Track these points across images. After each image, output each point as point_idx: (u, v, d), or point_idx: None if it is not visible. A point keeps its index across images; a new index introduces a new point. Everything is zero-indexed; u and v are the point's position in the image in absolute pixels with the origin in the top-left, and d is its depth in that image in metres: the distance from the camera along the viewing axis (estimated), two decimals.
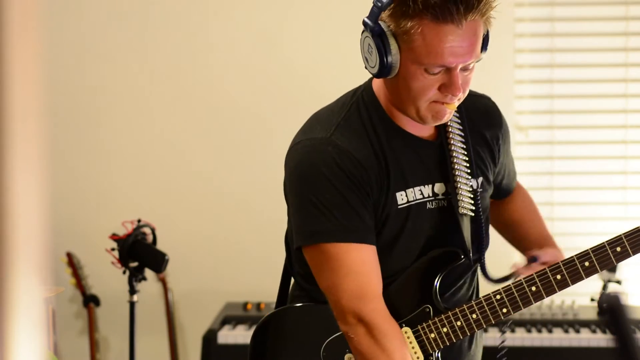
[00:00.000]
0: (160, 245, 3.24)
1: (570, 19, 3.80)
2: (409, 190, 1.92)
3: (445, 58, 1.75)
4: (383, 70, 1.80)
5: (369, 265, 1.88)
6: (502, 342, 2.16)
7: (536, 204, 2.28)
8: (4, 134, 0.66)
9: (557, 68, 3.82)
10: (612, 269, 3.48)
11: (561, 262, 1.94)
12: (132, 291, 3.17)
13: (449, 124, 1.96)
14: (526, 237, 2.19)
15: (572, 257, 1.94)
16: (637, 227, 1.95)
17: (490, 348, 3.33)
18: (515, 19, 3.76)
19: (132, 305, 3.18)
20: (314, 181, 1.86)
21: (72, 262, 3.75)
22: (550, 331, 3.43)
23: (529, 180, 3.61)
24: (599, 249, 1.93)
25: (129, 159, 3.89)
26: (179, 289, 3.90)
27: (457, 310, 1.94)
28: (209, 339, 3.44)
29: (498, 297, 1.94)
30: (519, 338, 3.39)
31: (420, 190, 1.93)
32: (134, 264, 3.17)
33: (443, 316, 1.94)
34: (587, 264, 1.93)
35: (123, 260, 3.14)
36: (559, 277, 1.93)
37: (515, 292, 1.93)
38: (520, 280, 1.94)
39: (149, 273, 3.31)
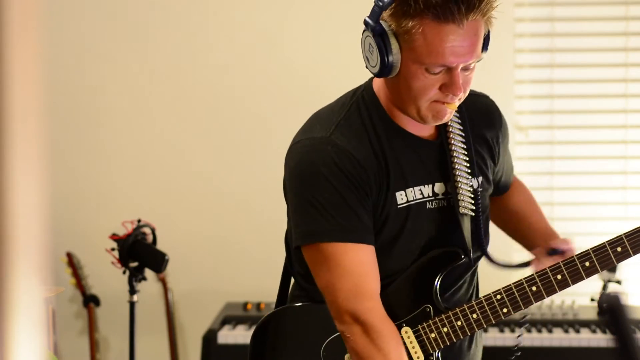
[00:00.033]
0: (160, 245, 3.24)
1: (570, 19, 3.80)
2: (409, 190, 1.92)
3: (446, 58, 1.75)
4: (384, 70, 1.80)
5: (367, 265, 1.88)
6: (517, 345, 2.14)
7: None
8: (4, 134, 0.66)
9: (557, 68, 3.81)
10: (612, 269, 3.48)
11: (562, 262, 1.94)
12: (132, 291, 3.17)
13: (449, 123, 1.96)
14: (529, 231, 2.20)
15: (572, 257, 1.94)
16: (638, 227, 1.95)
17: (490, 348, 3.34)
18: (515, 19, 3.76)
19: (132, 305, 3.18)
20: (312, 180, 1.86)
21: (72, 262, 3.75)
22: (550, 331, 3.43)
23: (529, 180, 3.61)
24: (599, 249, 1.93)
25: (129, 159, 3.89)
26: (179, 289, 3.90)
27: (457, 310, 1.94)
28: (209, 339, 3.44)
29: (498, 297, 1.94)
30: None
31: (420, 190, 1.93)
32: (134, 264, 3.17)
33: (443, 316, 1.94)
34: (587, 264, 1.93)
35: (123, 260, 3.14)
36: (559, 277, 1.93)
37: (515, 291, 1.93)
38: (521, 280, 1.94)
39: (149, 273, 3.31)
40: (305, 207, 1.88)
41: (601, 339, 3.36)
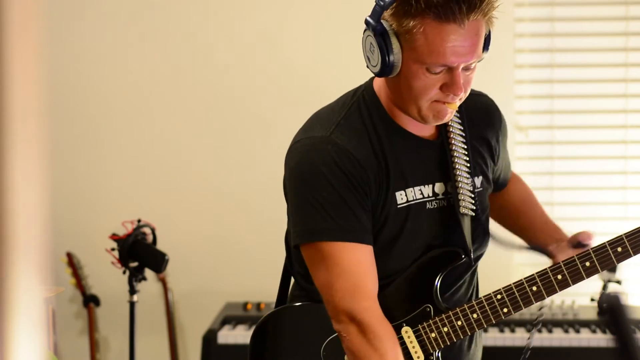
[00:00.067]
0: (160, 245, 3.24)
1: (570, 19, 3.80)
2: (409, 190, 1.92)
3: (447, 57, 1.75)
4: (385, 69, 1.80)
5: (364, 265, 1.88)
6: (528, 346, 2.14)
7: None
8: (4, 134, 0.66)
9: (557, 68, 3.82)
10: (612, 269, 3.47)
11: (562, 261, 1.94)
12: (132, 291, 3.17)
13: (449, 123, 1.96)
14: (531, 225, 2.21)
15: (572, 257, 1.94)
16: (638, 228, 1.95)
17: (490, 348, 3.35)
18: (515, 19, 3.76)
19: (132, 305, 3.18)
20: (312, 180, 1.86)
21: (72, 262, 3.75)
22: (550, 331, 3.43)
23: (529, 180, 3.59)
24: (599, 249, 1.94)
25: (129, 159, 3.89)
26: (179, 289, 3.90)
27: (457, 309, 1.94)
28: (209, 339, 3.44)
29: (499, 296, 1.94)
30: (519, 338, 3.39)
31: (420, 190, 1.93)
32: (134, 264, 3.17)
33: (444, 315, 1.94)
34: (588, 264, 1.93)
35: (123, 260, 3.14)
36: (559, 277, 1.93)
37: (516, 291, 1.93)
38: (521, 280, 1.95)
39: (149, 273, 3.31)
40: (304, 206, 1.88)
41: (601, 339, 3.36)
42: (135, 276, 3.16)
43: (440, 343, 1.94)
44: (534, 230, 2.19)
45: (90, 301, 3.73)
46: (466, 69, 1.80)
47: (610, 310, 1.14)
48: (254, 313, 3.62)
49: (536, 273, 1.94)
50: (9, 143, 0.66)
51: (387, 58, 1.79)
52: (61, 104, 3.84)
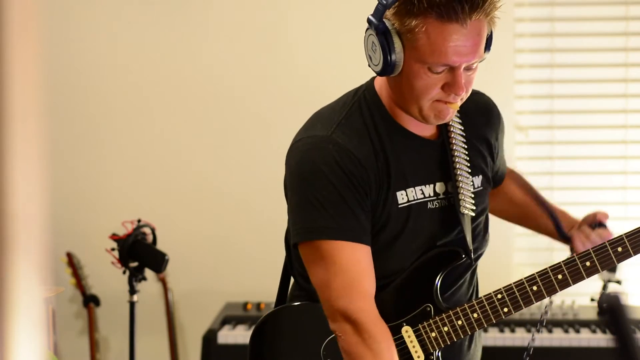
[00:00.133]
0: (160, 245, 3.24)
1: (570, 19, 3.80)
2: (410, 190, 1.92)
3: (449, 57, 1.75)
4: (386, 69, 1.80)
5: (362, 264, 1.87)
6: (530, 345, 2.14)
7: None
8: (4, 134, 0.66)
9: (557, 68, 3.82)
10: (613, 269, 3.48)
11: (562, 261, 1.94)
12: (132, 291, 3.17)
13: (450, 123, 1.96)
14: (537, 213, 2.21)
15: (573, 256, 1.95)
16: (638, 228, 1.95)
17: (490, 348, 3.35)
18: (515, 19, 3.76)
19: (132, 305, 3.18)
20: (312, 178, 1.86)
21: (72, 262, 3.75)
22: (550, 331, 3.43)
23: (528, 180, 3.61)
24: (600, 249, 1.94)
25: (129, 159, 3.89)
26: (179, 289, 3.90)
27: (458, 309, 1.94)
28: (209, 339, 3.44)
29: (499, 296, 1.94)
30: (519, 338, 3.39)
31: (421, 189, 1.93)
32: (134, 264, 3.17)
33: (444, 315, 1.94)
34: (588, 263, 1.93)
35: (123, 260, 3.14)
36: (560, 276, 1.93)
37: (516, 291, 1.93)
38: (522, 280, 1.95)
39: (149, 273, 3.31)
40: (304, 205, 1.88)
41: (601, 339, 3.36)
42: (135, 276, 3.16)
43: (441, 342, 1.94)
44: (536, 217, 2.20)
45: (90, 301, 3.73)
46: (468, 68, 1.80)
47: (610, 310, 1.14)
48: (254, 313, 3.62)
49: (536, 273, 1.94)
50: (9, 143, 0.66)
51: (389, 57, 1.79)
52: (61, 104, 3.84)
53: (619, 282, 3.54)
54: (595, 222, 2.10)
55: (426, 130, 1.95)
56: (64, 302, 3.89)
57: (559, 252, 3.66)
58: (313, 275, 1.91)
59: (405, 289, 1.96)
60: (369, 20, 1.83)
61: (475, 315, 1.94)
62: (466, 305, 1.94)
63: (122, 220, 3.24)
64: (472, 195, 1.97)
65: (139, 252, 3.15)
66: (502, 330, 3.43)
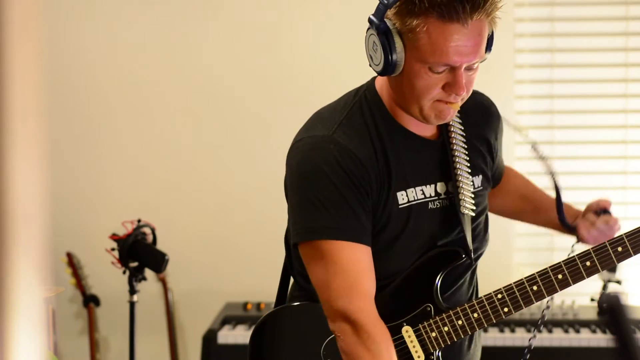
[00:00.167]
0: (160, 245, 3.24)
1: (570, 19, 3.80)
2: (410, 190, 1.92)
3: (450, 57, 1.75)
4: (387, 68, 1.80)
5: (362, 265, 1.87)
6: (530, 342, 2.14)
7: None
8: (4, 134, 0.66)
9: (557, 68, 3.82)
10: (612, 269, 3.48)
11: (562, 261, 1.95)
12: (132, 291, 3.17)
13: (450, 123, 1.96)
14: (540, 206, 2.23)
15: (573, 256, 1.95)
16: (638, 227, 1.96)
17: (490, 348, 3.35)
18: (515, 19, 3.76)
19: (132, 305, 3.18)
20: (313, 178, 1.86)
21: (72, 262, 3.75)
22: (550, 331, 3.43)
23: None
24: (600, 249, 1.94)
25: (129, 159, 3.89)
26: (179, 289, 3.90)
27: (458, 309, 1.94)
28: (209, 339, 3.44)
29: (499, 296, 1.94)
30: (519, 338, 3.39)
31: (422, 190, 1.93)
32: (134, 264, 3.17)
33: (444, 315, 1.94)
34: (588, 263, 1.94)
35: (123, 260, 3.14)
36: (560, 276, 1.93)
37: (516, 291, 1.94)
38: (522, 279, 1.95)
39: (149, 273, 3.31)
40: (305, 205, 1.88)
41: (601, 339, 3.36)
42: (135, 276, 3.16)
43: (441, 342, 1.94)
44: (545, 210, 2.21)
45: (90, 301, 3.73)
46: (469, 69, 1.80)
47: (610, 310, 1.14)
48: (254, 313, 3.62)
49: (537, 272, 1.94)
50: (9, 143, 0.66)
51: (389, 57, 1.79)
52: (61, 104, 3.84)
53: (619, 282, 3.54)
54: (600, 209, 2.11)
55: (426, 131, 1.95)
56: (64, 302, 3.89)
57: (559, 252, 3.66)
58: (313, 275, 1.91)
59: (405, 289, 1.96)
60: (370, 20, 1.83)
61: (475, 315, 1.94)
62: (466, 305, 1.94)
63: (122, 220, 3.24)
64: (472, 195, 1.97)
65: (139, 252, 3.15)
66: (502, 330, 3.43)
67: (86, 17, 3.85)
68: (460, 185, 1.95)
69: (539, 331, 2.19)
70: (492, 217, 2.15)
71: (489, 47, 1.83)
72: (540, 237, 3.81)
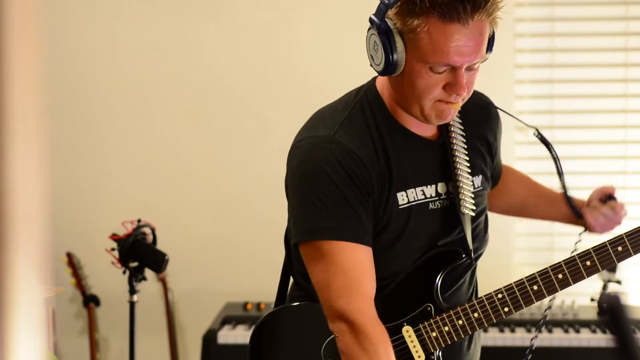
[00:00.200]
0: (160, 245, 3.24)
1: (570, 19, 3.80)
2: (410, 191, 1.92)
3: (451, 57, 1.75)
4: (388, 68, 1.80)
5: (362, 265, 1.87)
6: (532, 343, 2.14)
7: None
8: (4, 134, 0.66)
9: (557, 68, 3.82)
10: (612, 269, 3.48)
11: (563, 261, 1.95)
12: (132, 291, 3.17)
13: (450, 123, 1.96)
14: (544, 201, 2.24)
15: (573, 256, 1.95)
16: (638, 227, 1.96)
17: (490, 348, 3.35)
18: (515, 19, 3.76)
19: (132, 305, 3.18)
20: (315, 178, 1.86)
21: (72, 262, 3.75)
22: (550, 331, 3.43)
23: None
24: (600, 248, 1.94)
25: (129, 159, 3.89)
26: (179, 289, 3.90)
27: (458, 309, 1.94)
28: (209, 339, 3.44)
29: (500, 295, 1.94)
30: (519, 338, 3.39)
31: (422, 190, 1.93)
32: (134, 264, 3.17)
33: (445, 315, 1.94)
34: (588, 263, 1.94)
35: (123, 260, 3.14)
36: (560, 276, 1.93)
37: (517, 290, 1.94)
38: (522, 279, 1.95)
39: (149, 273, 3.31)
40: (306, 205, 1.88)
41: (601, 339, 3.36)
42: (135, 276, 3.16)
43: (441, 342, 1.94)
44: (550, 202, 2.21)
45: (90, 301, 3.73)
46: (469, 69, 1.80)
47: (610, 310, 1.14)
48: (254, 313, 3.62)
49: (537, 272, 1.94)
50: (9, 143, 0.66)
51: (390, 57, 1.79)
52: (61, 104, 3.84)
53: (619, 282, 3.54)
54: (605, 196, 2.12)
55: (427, 131, 1.95)
56: (64, 302, 3.89)
57: (559, 252, 3.66)
58: (313, 276, 1.91)
59: (405, 288, 1.96)
60: (371, 20, 1.83)
61: (475, 314, 1.94)
62: (467, 305, 1.95)
63: (122, 220, 3.24)
64: (473, 195, 1.98)
65: (139, 252, 3.15)
66: (502, 330, 3.43)
67: (86, 17, 3.85)
68: (461, 185, 1.95)
69: (541, 331, 2.19)
70: (492, 217, 2.15)
71: (489, 47, 1.83)
72: (540, 237, 3.81)
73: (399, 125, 1.92)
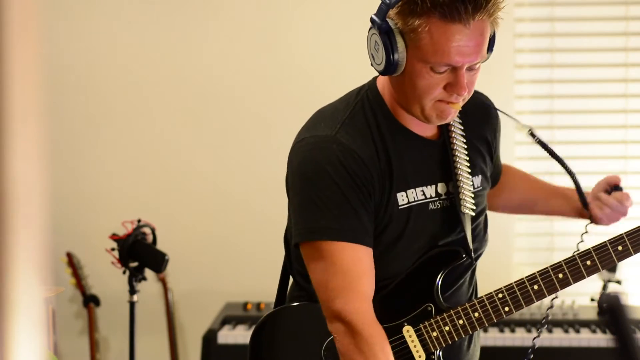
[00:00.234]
0: (160, 245, 3.24)
1: (570, 19, 3.80)
2: (410, 191, 1.92)
3: (452, 57, 1.75)
4: (389, 68, 1.81)
5: (361, 265, 1.87)
6: (534, 342, 2.13)
7: None
8: (4, 134, 0.66)
9: (557, 68, 3.82)
10: (612, 269, 3.48)
11: (563, 260, 1.95)
12: (132, 291, 3.17)
13: (451, 123, 1.97)
14: (548, 195, 2.24)
15: (574, 255, 1.95)
16: (639, 226, 1.96)
17: (490, 348, 3.34)
18: (515, 19, 3.76)
19: (132, 305, 3.18)
20: (316, 178, 1.86)
21: (72, 262, 3.75)
22: (550, 331, 3.43)
23: None
24: (600, 248, 1.94)
25: (129, 159, 3.89)
26: (179, 289, 3.90)
27: (459, 308, 1.94)
28: (209, 339, 3.44)
29: (500, 295, 1.94)
30: (519, 338, 3.39)
31: (422, 190, 1.93)
32: (134, 264, 3.17)
33: (445, 315, 1.94)
34: (588, 262, 1.94)
35: (123, 260, 3.14)
36: (560, 275, 1.94)
37: (517, 290, 1.94)
38: (522, 279, 1.95)
39: (149, 273, 3.31)
40: (307, 205, 1.88)
41: (601, 339, 3.36)
42: (135, 276, 3.16)
43: (442, 342, 1.94)
44: (554, 197, 2.22)
45: (90, 301, 3.73)
46: (470, 69, 1.80)
47: (610, 310, 1.14)
48: (254, 313, 3.62)
49: (537, 272, 1.94)
50: (9, 143, 0.66)
51: (391, 56, 1.79)
52: (61, 104, 3.84)
53: (619, 282, 3.54)
54: (610, 187, 2.11)
55: (427, 131, 1.95)
56: (64, 302, 3.89)
57: (559, 252, 3.66)
58: (312, 276, 1.91)
59: (406, 288, 1.96)
60: (372, 20, 1.83)
61: (476, 314, 1.94)
62: (467, 305, 1.95)
63: (122, 220, 3.24)
64: (473, 195, 1.98)
65: (139, 252, 3.15)
66: (502, 330, 3.43)
67: (86, 17, 3.85)
68: (461, 185, 1.95)
69: (543, 331, 2.19)
70: (492, 217, 2.15)
71: (490, 47, 1.83)
72: (540, 237, 3.81)
73: (400, 125, 1.92)
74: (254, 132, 3.85)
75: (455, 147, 1.96)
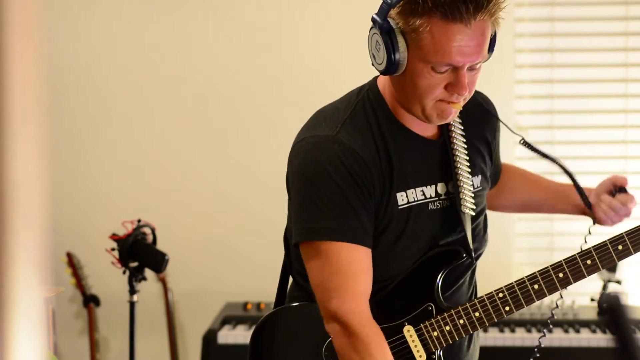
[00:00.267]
0: (160, 245, 3.24)
1: (570, 19, 3.80)
2: (410, 191, 1.92)
3: (453, 57, 1.75)
4: (390, 68, 1.81)
5: (360, 266, 1.87)
6: (540, 342, 2.13)
7: None
8: (4, 134, 0.66)
9: (557, 68, 3.81)
10: (612, 269, 3.48)
11: (563, 260, 1.95)
12: (132, 291, 3.17)
13: (451, 122, 1.97)
14: (551, 194, 2.23)
15: (574, 255, 1.95)
16: (639, 226, 1.96)
17: (490, 348, 3.35)
18: (515, 19, 3.76)
19: (132, 305, 3.18)
20: (317, 178, 1.86)
21: (72, 262, 3.75)
22: (550, 331, 3.43)
23: None
24: (600, 247, 1.94)
25: (129, 159, 3.89)
26: (179, 289, 3.90)
27: (459, 308, 1.94)
28: (209, 339, 3.44)
29: (501, 295, 1.94)
30: (519, 338, 3.39)
31: (422, 190, 1.93)
32: (134, 264, 3.17)
33: (446, 314, 1.94)
34: (589, 261, 1.94)
35: (123, 260, 3.14)
36: (561, 275, 1.94)
37: (517, 290, 1.94)
38: (523, 278, 1.95)
39: (149, 273, 3.31)
40: (307, 205, 1.88)
41: (601, 339, 3.36)
42: (135, 276, 3.16)
43: (442, 342, 1.94)
44: (557, 196, 2.22)
45: (90, 301, 3.73)
46: (471, 69, 1.80)
47: (610, 310, 1.14)
48: (254, 313, 3.62)
49: (538, 271, 1.94)
50: (9, 143, 0.66)
51: (392, 56, 1.79)
52: (61, 104, 3.84)
53: (619, 282, 3.54)
54: (615, 188, 2.10)
55: (428, 130, 1.95)
56: (64, 302, 3.89)
57: (559, 252, 3.66)
58: (311, 275, 1.91)
59: (406, 288, 1.96)
60: (373, 19, 1.83)
61: (477, 314, 1.94)
62: (468, 304, 1.95)
63: (122, 220, 3.24)
64: (473, 195, 1.98)
65: (139, 252, 3.15)
66: (502, 330, 3.43)
67: (86, 17, 3.85)
68: (461, 185, 1.95)
69: (547, 331, 2.18)
70: (492, 217, 2.15)
71: (491, 47, 1.83)
72: (540, 237, 3.81)
73: (400, 124, 1.92)
74: (254, 132, 3.85)
75: (455, 147, 1.96)
